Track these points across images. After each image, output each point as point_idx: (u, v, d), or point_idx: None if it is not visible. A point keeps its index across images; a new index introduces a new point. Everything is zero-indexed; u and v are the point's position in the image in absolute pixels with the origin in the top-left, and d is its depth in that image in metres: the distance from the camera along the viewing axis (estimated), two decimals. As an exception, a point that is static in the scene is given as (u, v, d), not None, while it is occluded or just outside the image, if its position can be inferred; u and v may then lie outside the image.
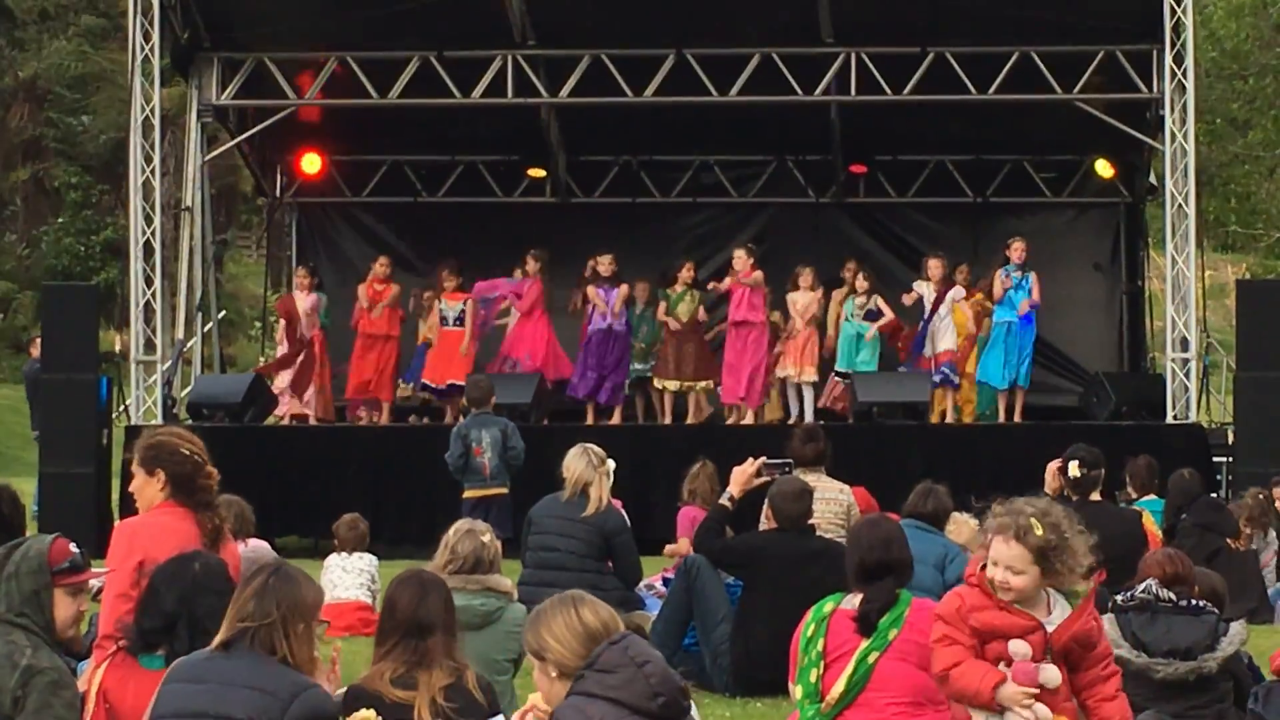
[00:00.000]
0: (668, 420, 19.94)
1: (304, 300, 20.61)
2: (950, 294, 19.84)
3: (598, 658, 5.04)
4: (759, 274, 19.64)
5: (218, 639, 5.66)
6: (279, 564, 5.88)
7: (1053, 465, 11.35)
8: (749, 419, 19.71)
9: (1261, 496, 13.60)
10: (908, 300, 19.95)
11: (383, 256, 21.01)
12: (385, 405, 20.45)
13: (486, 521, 9.93)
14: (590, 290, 20.09)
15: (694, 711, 5.20)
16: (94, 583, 6.60)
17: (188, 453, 7.13)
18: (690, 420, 19.94)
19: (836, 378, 20.02)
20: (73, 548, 6.25)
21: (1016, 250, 19.61)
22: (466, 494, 15.51)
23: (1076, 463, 10.95)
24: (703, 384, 19.98)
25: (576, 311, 20.41)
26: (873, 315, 19.98)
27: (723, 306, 20.36)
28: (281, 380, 20.56)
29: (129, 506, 7.30)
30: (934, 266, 19.98)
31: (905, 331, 20.40)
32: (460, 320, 20.26)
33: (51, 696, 5.95)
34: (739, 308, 19.63)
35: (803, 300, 19.88)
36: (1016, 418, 19.57)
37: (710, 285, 20.30)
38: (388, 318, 20.44)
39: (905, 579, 7.62)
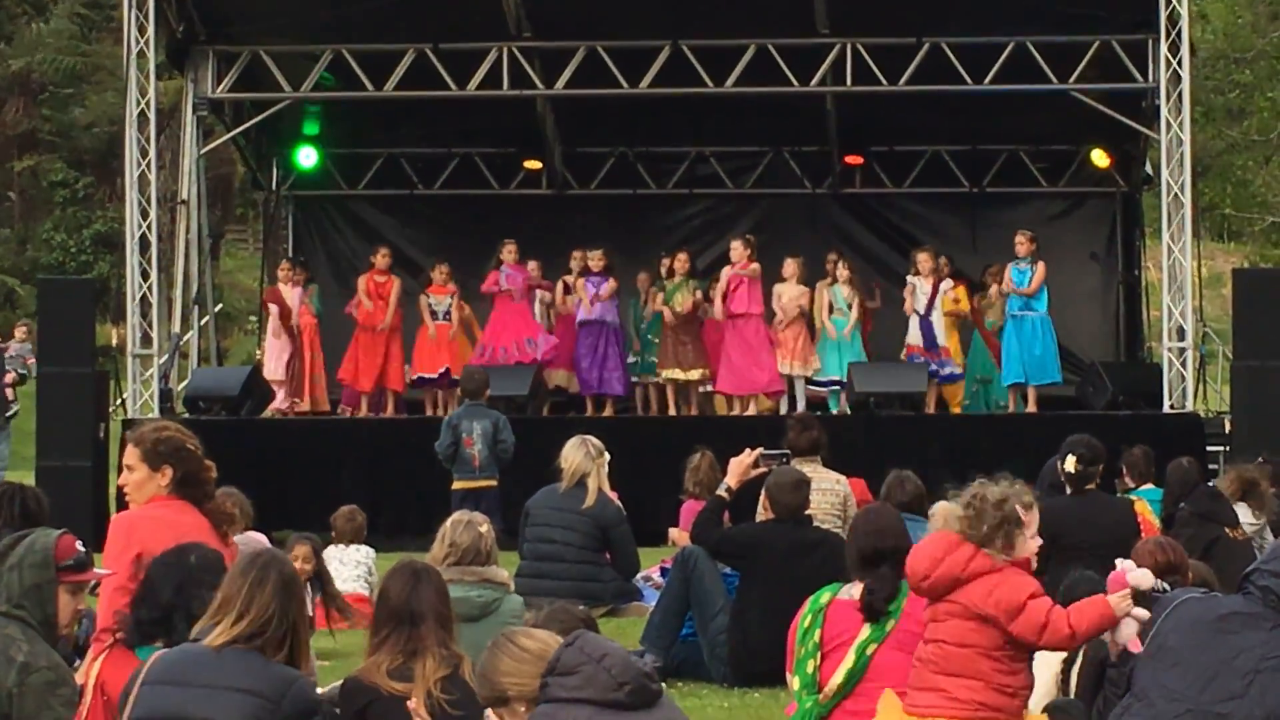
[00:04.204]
0: (671, 411, 19.91)
1: (291, 293, 20.67)
2: (942, 285, 19.88)
3: (556, 662, 5.02)
4: (756, 266, 19.57)
5: (224, 634, 5.54)
6: (282, 561, 5.77)
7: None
8: (751, 409, 19.61)
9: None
10: (908, 304, 19.87)
11: (382, 248, 20.99)
12: (392, 396, 20.46)
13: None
14: (578, 282, 20.09)
15: (666, 694, 5.19)
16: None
17: (193, 448, 7.09)
18: (689, 411, 19.90)
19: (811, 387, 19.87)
20: (79, 545, 6.16)
21: (1022, 245, 19.56)
22: (456, 485, 15.53)
23: (1074, 458, 10.94)
24: (698, 373, 19.93)
25: (559, 304, 20.47)
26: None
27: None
28: (271, 370, 20.51)
29: (125, 500, 7.26)
30: (923, 260, 19.98)
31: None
32: (448, 315, 20.24)
33: (50, 696, 5.85)
34: (737, 300, 19.51)
35: (789, 293, 19.80)
36: (1031, 407, 19.47)
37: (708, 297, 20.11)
38: (389, 311, 20.41)
39: (904, 567, 7.64)
